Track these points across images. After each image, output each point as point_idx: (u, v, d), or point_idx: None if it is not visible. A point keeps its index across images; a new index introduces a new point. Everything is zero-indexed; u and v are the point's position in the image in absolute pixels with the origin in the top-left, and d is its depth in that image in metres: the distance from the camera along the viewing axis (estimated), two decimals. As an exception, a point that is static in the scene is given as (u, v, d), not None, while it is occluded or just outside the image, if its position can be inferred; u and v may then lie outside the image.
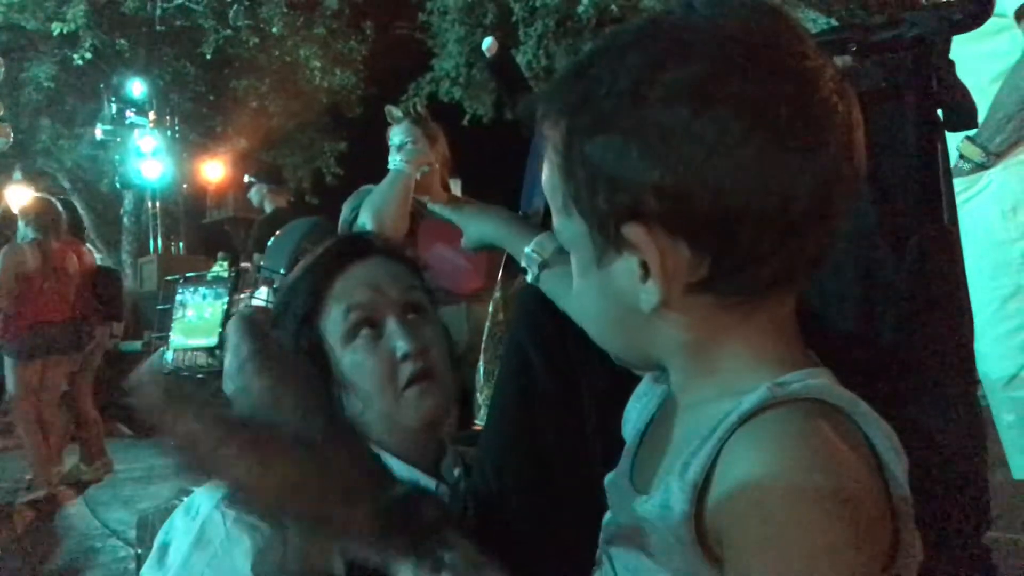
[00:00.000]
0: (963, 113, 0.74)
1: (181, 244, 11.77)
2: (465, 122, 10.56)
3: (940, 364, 0.72)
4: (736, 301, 0.53)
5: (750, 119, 0.48)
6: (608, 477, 0.67)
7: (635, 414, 0.68)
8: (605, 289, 0.56)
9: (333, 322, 0.96)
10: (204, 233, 12.36)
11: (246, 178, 5.03)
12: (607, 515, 0.66)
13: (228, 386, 0.58)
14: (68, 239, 4.46)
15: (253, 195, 5.07)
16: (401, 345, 0.94)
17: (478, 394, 2.30)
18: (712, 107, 0.48)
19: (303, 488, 0.53)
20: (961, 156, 2.01)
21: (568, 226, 0.56)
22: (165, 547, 0.90)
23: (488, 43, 1.13)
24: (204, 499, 0.91)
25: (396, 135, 2.77)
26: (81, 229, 4.62)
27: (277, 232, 4.45)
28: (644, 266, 0.52)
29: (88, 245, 4.89)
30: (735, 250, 0.51)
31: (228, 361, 0.57)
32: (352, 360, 0.95)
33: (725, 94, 0.48)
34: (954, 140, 1.99)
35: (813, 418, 0.50)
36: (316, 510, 0.54)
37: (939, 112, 0.76)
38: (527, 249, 0.84)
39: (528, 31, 9.95)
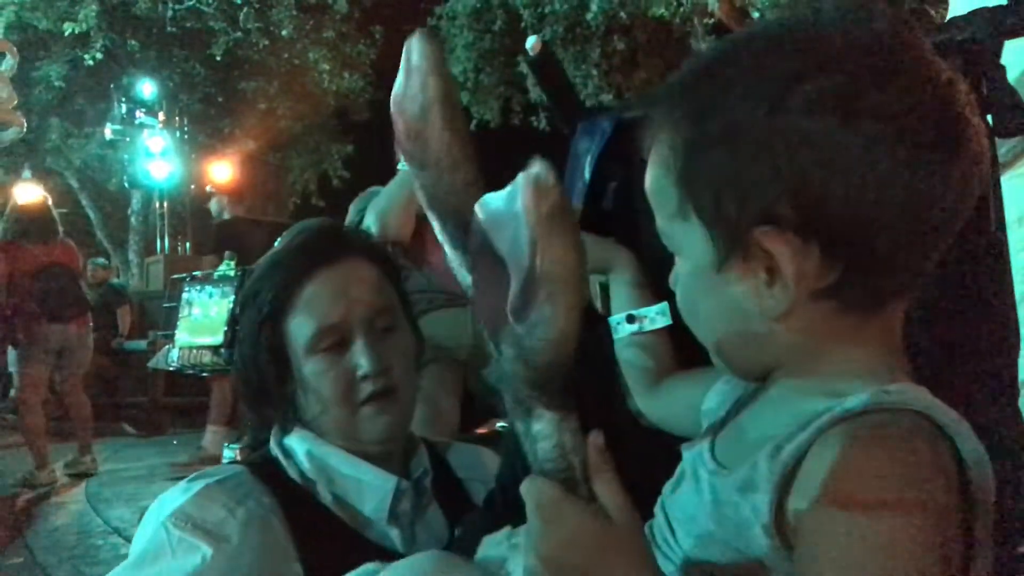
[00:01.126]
0: (1014, 117, 0.73)
1: (188, 244, 11.78)
2: (472, 127, 10.57)
3: (980, 372, 0.70)
4: (857, 308, 0.53)
5: (893, 130, 0.49)
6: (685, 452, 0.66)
7: (717, 398, 0.68)
8: (723, 295, 0.56)
9: (299, 328, 0.95)
10: (211, 233, 12.38)
11: (208, 188, 5.42)
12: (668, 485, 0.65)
13: None
14: None
15: (212, 205, 5.37)
16: (363, 364, 0.93)
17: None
18: (856, 118, 0.49)
19: None
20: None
21: (682, 231, 0.57)
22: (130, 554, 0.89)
23: (532, 42, 1.12)
24: (157, 512, 0.90)
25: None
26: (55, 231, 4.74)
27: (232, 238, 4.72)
28: (770, 271, 0.52)
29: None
30: (868, 259, 0.51)
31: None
32: (313, 369, 0.94)
33: (868, 105, 0.49)
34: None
35: (914, 430, 0.50)
36: None
37: (988, 117, 0.74)
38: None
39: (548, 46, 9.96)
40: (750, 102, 0.51)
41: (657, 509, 0.64)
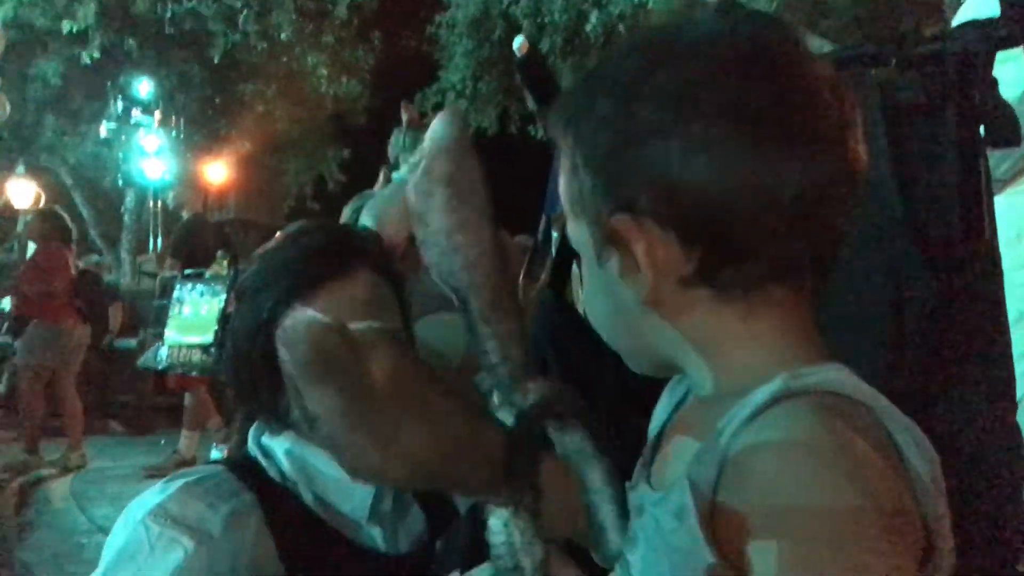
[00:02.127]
0: (1006, 129, 0.73)
1: (180, 244, 11.75)
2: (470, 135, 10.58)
3: (973, 383, 0.70)
4: (734, 296, 0.54)
5: (733, 118, 0.51)
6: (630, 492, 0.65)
7: (660, 410, 0.68)
8: (606, 287, 0.57)
9: None
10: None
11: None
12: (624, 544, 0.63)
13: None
14: None
15: (170, 200, 5.52)
16: None
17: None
18: (696, 107, 0.51)
19: (428, 461, 0.52)
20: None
21: (576, 229, 0.59)
22: (104, 560, 0.88)
23: (519, 42, 1.13)
24: (134, 511, 0.89)
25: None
26: None
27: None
28: (635, 258, 0.54)
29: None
30: (725, 244, 0.52)
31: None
32: None
33: (709, 95, 0.51)
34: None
35: (827, 409, 0.49)
36: (437, 478, 0.54)
37: (980, 128, 0.75)
38: None
39: (536, 47, 10.00)
40: (611, 97, 0.54)
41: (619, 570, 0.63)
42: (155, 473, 4.65)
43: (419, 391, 0.53)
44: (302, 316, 0.49)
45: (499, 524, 0.53)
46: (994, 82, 0.74)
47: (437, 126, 0.57)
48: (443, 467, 0.53)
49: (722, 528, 0.49)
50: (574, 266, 1.02)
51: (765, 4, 7.62)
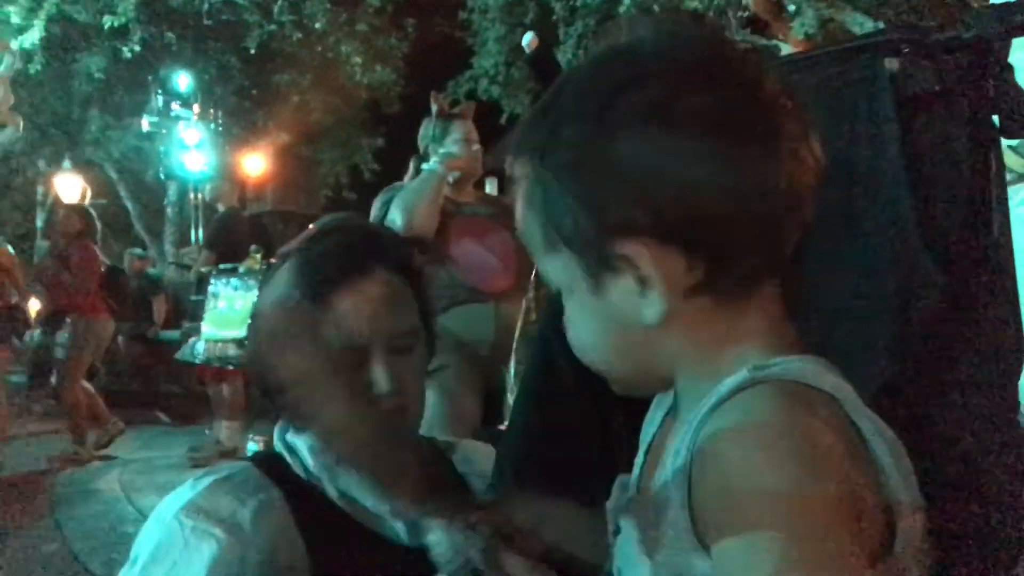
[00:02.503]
0: (1022, 119, 0.71)
1: (222, 235, 11.96)
2: (503, 120, 10.55)
3: (975, 377, 0.69)
4: (730, 299, 0.55)
5: (706, 127, 0.53)
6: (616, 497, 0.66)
7: (649, 424, 0.68)
8: (605, 315, 0.57)
9: (322, 337, 0.93)
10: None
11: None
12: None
13: None
14: None
15: (207, 193, 5.69)
16: (380, 384, 0.93)
17: (508, 395, 2.29)
18: (671, 121, 0.53)
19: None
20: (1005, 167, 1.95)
21: (555, 264, 0.58)
22: (135, 560, 0.90)
23: (528, 38, 1.12)
24: (166, 508, 0.91)
25: (453, 130, 2.78)
26: None
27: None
28: (642, 280, 0.54)
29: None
30: (722, 249, 0.54)
31: None
32: (327, 376, 0.92)
33: (681, 108, 0.53)
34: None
35: (787, 395, 0.50)
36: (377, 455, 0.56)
37: (995, 118, 0.72)
38: None
39: (568, 30, 9.90)
40: (580, 122, 0.55)
41: None
42: (198, 458, 4.78)
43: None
44: None
45: (439, 534, 0.55)
46: (1010, 70, 0.72)
47: None
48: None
49: (698, 519, 0.51)
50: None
51: (804, -20, 7.43)
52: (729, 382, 0.53)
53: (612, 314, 0.57)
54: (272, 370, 0.97)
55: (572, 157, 0.55)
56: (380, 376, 0.93)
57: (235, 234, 5.54)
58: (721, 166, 0.52)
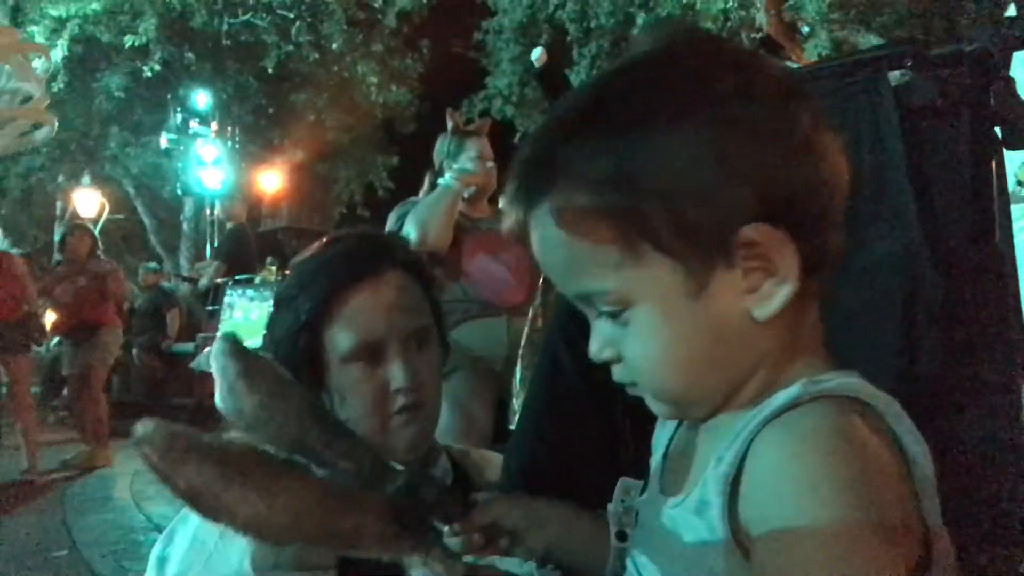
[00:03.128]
0: (1023, 131, 0.72)
1: (236, 251, 12.06)
2: (516, 139, 10.63)
3: (982, 384, 0.69)
4: (805, 298, 0.54)
5: (816, 116, 0.54)
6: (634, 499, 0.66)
7: (663, 431, 0.68)
8: (699, 321, 0.53)
9: (338, 338, 0.96)
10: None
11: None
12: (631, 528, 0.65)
13: (221, 405, 0.58)
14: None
15: (219, 211, 5.79)
16: (398, 379, 0.95)
17: (515, 400, 2.30)
18: (791, 107, 0.53)
19: (312, 509, 0.53)
20: (1019, 182, 1.95)
21: (633, 278, 0.53)
22: (164, 560, 0.92)
23: (537, 53, 1.14)
24: None
25: (469, 147, 2.80)
26: None
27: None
28: (764, 270, 0.52)
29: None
30: (820, 240, 0.53)
31: (218, 385, 0.57)
32: (348, 379, 0.95)
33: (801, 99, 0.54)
34: (1013, 166, 1.94)
35: (847, 413, 0.50)
36: (328, 527, 0.54)
37: (996, 130, 0.74)
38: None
39: (582, 51, 9.99)
40: (672, 135, 0.52)
41: None
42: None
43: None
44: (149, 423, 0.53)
45: (420, 570, 0.55)
46: (1011, 82, 0.73)
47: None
48: (328, 520, 0.54)
49: (738, 523, 0.51)
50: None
51: (818, 2, 7.48)
52: (783, 395, 0.51)
53: (709, 318, 0.53)
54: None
55: (671, 150, 0.51)
56: (397, 370, 0.95)
57: (244, 247, 5.64)
58: (821, 156, 0.53)
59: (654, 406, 0.59)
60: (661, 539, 0.58)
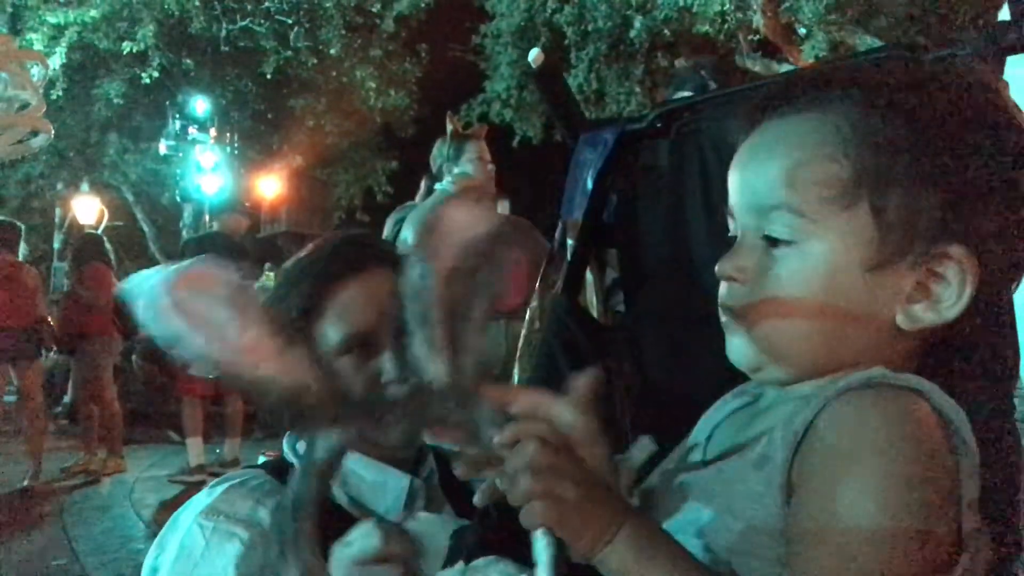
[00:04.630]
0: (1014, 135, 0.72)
1: (235, 257, 12.05)
2: (515, 143, 10.63)
3: (975, 394, 0.69)
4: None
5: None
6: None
7: (714, 413, 0.70)
8: (855, 291, 0.56)
9: (329, 331, 0.96)
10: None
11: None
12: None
13: None
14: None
15: (216, 224, 5.88)
16: (389, 370, 0.95)
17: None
18: (1004, 139, 0.57)
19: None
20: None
21: (833, 217, 0.56)
22: (155, 571, 0.91)
23: (534, 54, 1.14)
24: (184, 516, 0.93)
25: (467, 150, 2.80)
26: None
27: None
28: (937, 287, 0.56)
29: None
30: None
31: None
32: (340, 372, 0.95)
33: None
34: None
35: (918, 405, 0.53)
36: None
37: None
38: None
39: (580, 55, 10.00)
40: (954, 132, 0.56)
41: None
42: (181, 477, 4.86)
43: None
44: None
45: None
46: (1005, 86, 0.73)
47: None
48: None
49: (792, 475, 0.53)
50: (588, 272, 1.03)
51: (815, 4, 7.49)
52: (864, 374, 0.54)
53: (860, 293, 0.56)
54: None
55: (934, 146, 0.55)
56: (388, 362, 0.95)
57: (230, 256, 5.67)
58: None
59: (741, 348, 0.59)
60: (708, 491, 0.60)
